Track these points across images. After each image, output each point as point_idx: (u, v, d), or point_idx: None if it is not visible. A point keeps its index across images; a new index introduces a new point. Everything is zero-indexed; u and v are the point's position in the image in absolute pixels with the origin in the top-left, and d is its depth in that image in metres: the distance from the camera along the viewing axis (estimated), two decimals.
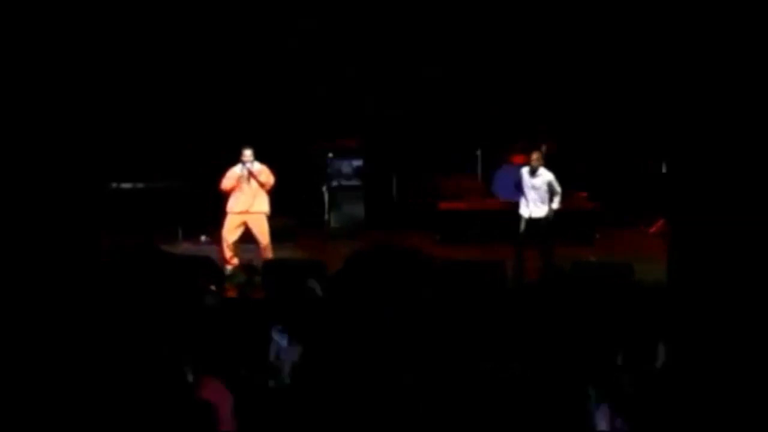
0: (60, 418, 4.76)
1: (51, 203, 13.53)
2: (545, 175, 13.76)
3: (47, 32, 14.85)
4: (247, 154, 13.84)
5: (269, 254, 13.78)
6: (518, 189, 13.96)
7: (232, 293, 11.56)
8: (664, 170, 16.46)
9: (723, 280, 9.50)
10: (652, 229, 16.91)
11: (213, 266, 11.05)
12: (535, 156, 13.83)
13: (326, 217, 17.44)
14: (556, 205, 13.80)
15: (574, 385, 5.20)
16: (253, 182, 13.85)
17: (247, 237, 14.17)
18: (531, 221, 13.77)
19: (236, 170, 13.87)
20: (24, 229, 12.00)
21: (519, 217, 13.88)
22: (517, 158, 17.06)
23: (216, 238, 14.71)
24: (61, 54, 15.59)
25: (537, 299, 9.06)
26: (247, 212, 13.90)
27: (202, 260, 12.11)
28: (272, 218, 14.26)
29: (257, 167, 13.91)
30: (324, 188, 17.46)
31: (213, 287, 10.18)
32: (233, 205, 13.92)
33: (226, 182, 13.85)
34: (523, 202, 13.88)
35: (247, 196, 13.88)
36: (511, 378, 4.80)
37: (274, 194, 14.20)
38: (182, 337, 5.77)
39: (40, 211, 12.83)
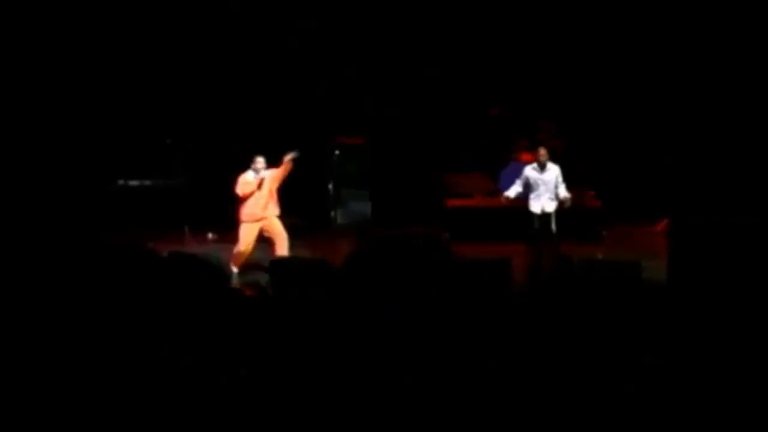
0: (59, 417, 4.76)
1: (54, 201, 13.51)
2: (554, 169, 13.81)
3: (49, 32, 14.81)
4: (260, 161, 13.80)
5: (286, 251, 13.79)
6: (525, 188, 13.94)
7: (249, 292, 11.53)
8: (668, 167, 16.48)
9: (723, 279, 9.47)
10: (658, 227, 16.87)
11: (218, 265, 11.01)
12: (542, 152, 13.87)
13: (332, 214, 17.43)
14: (564, 192, 13.78)
15: (579, 383, 5.18)
16: (264, 189, 13.81)
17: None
18: (543, 216, 13.78)
19: (249, 177, 13.82)
20: (26, 228, 12.00)
21: (530, 214, 13.86)
22: (525, 156, 17.03)
23: (224, 240, 14.75)
24: (64, 55, 15.56)
25: (545, 297, 9.03)
26: (261, 219, 13.86)
27: (207, 259, 12.09)
28: (280, 217, 14.28)
29: (268, 173, 13.90)
30: (330, 186, 17.45)
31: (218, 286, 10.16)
32: (248, 212, 13.84)
33: (244, 188, 13.77)
34: (532, 199, 13.85)
35: (261, 202, 13.83)
36: (513, 377, 4.78)
37: (281, 192, 14.19)
38: (183, 336, 5.77)
39: (42, 210, 12.81)
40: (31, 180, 15.61)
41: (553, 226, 13.77)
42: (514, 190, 14.05)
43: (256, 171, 13.79)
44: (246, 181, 13.78)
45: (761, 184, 10.95)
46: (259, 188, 13.77)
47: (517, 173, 14.72)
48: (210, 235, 16.48)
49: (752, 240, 9.95)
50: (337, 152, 17.49)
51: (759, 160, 11.22)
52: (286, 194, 14.26)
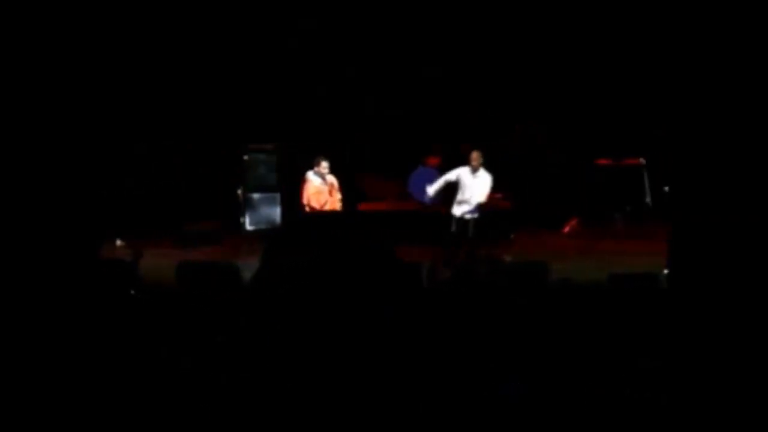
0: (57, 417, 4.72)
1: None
2: (485, 176, 13.73)
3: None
4: (325, 165, 13.55)
5: None
6: (449, 188, 13.88)
7: None
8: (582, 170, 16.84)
9: (723, 279, 9.46)
10: (565, 229, 17.14)
11: (129, 270, 10.88)
12: (474, 155, 13.60)
13: (241, 219, 17.38)
14: (483, 198, 13.74)
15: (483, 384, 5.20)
16: (335, 194, 13.63)
17: None
18: (462, 221, 13.70)
19: (315, 183, 13.57)
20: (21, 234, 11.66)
21: (450, 216, 13.79)
22: (433, 160, 17.17)
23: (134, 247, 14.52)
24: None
25: (460, 299, 9.07)
26: None
27: (118, 264, 11.97)
28: (195, 223, 14.17)
29: (332, 179, 13.71)
30: (239, 191, 17.40)
31: (132, 291, 10.07)
32: None
33: (319, 198, 13.51)
34: (456, 202, 13.76)
35: (331, 207, 13.63)
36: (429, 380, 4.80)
37: (197, 197, 14.10)
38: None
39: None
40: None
41: (471, 232, 13.68)
42: (436, 186, 13.90)
43: (322, 176, 13.57)
44: (318, 191, 13.51)
45: (761, 184, 11.07)
46: (331, 195, 13.60)
47: (427, 178, 14.75)
48: (118, 242, 16.23)
49: (752, 240, 9.96)
50: (246, 157, 17.44)
51: (759, 160, 11.36)
52: (201, 200, 14.16)
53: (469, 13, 17.84)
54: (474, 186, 13.59)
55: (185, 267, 12.24)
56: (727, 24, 12.06)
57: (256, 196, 17.45)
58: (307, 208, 13.59)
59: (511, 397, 4.66)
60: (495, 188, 16.92)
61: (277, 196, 17.60)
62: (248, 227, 17.40)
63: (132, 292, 9.91)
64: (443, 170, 15.47)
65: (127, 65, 17.18)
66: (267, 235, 16.43)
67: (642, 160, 16.95)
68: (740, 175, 11.28)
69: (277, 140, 17.86)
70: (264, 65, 17.96)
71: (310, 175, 13.61)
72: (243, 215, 17.36)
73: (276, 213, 17.55)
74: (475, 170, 13.61)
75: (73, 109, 16.95)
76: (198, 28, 17.40)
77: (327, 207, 13.57)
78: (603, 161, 17.48)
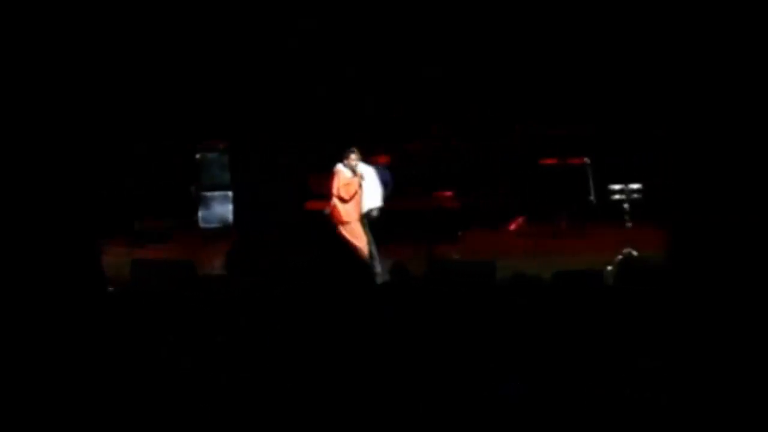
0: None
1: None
2: (365, 172, 13.83)
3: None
4: (354, 156, 13.53)
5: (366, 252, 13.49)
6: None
7: None
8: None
9: (722, 279, 9.52)
10: (512, 227, 17.41)
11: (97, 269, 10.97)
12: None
13: (195, 217, 17.47)
14: (378, 200, 13.96)
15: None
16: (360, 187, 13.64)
17: None
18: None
19: (347, 174, 13.57)
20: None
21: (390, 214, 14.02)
22: (382, 158, 17.34)
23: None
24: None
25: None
26: (361, 217, 13.76)
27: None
28: (147, 221, 14.17)
29: (363, 168, 13.70)
30: (192, 188, 17.48)
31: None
32: (353, 211, 13.60)
33: (349, 190, 13.48)
34: None
35: (361, 198, 13.65)
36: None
37: (153, 195, 14.10)
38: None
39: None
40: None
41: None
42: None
43: (352, 168, 13.54)
44: (348, 182, 13.47)
45: (761, 184, 11.13)
46: (360, 187, 13.59)
47: (379, 176, 14.97)
48: None
49: (752, 240, 9.98)
50: (198, 155, 17.55)
51: (759, 160, 11.46)
52: (148, 198, 14.22)
53: (469, 13, 17.99)
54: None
55: (139, 265, 12.42)
56: (728, 23, 12.23)
57: (209, 194, 17.55)
58: (337, 200, 13.54)
59: (511, 397, 4.74)
60: (444, 187, 17.28)
61: (230, 194, 17.70)
62: (201, 225, 17.50)
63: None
64: (392, 168, 15.71)
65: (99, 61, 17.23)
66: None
67: (586, 160, 17.26)
68: (740, 175, 11.41)
69: (231, 138, 17.93)
70: (216, 62, 18.05)
71: (340, 167, 13.61)
72: (196, 213, 17.45)
73: (228, 211, 17.66)
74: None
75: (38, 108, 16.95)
76: (179, 23, 17.48)
77: (356, 198, 13.57)
78: (548, 160, 17.74)
